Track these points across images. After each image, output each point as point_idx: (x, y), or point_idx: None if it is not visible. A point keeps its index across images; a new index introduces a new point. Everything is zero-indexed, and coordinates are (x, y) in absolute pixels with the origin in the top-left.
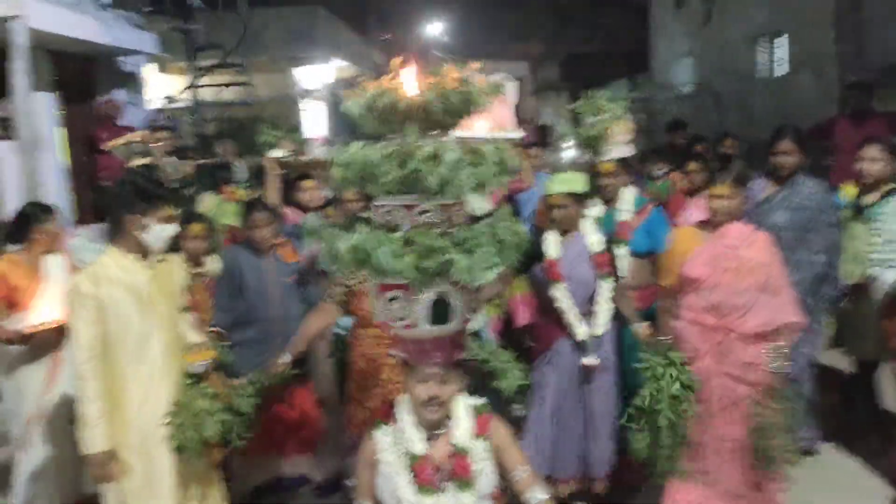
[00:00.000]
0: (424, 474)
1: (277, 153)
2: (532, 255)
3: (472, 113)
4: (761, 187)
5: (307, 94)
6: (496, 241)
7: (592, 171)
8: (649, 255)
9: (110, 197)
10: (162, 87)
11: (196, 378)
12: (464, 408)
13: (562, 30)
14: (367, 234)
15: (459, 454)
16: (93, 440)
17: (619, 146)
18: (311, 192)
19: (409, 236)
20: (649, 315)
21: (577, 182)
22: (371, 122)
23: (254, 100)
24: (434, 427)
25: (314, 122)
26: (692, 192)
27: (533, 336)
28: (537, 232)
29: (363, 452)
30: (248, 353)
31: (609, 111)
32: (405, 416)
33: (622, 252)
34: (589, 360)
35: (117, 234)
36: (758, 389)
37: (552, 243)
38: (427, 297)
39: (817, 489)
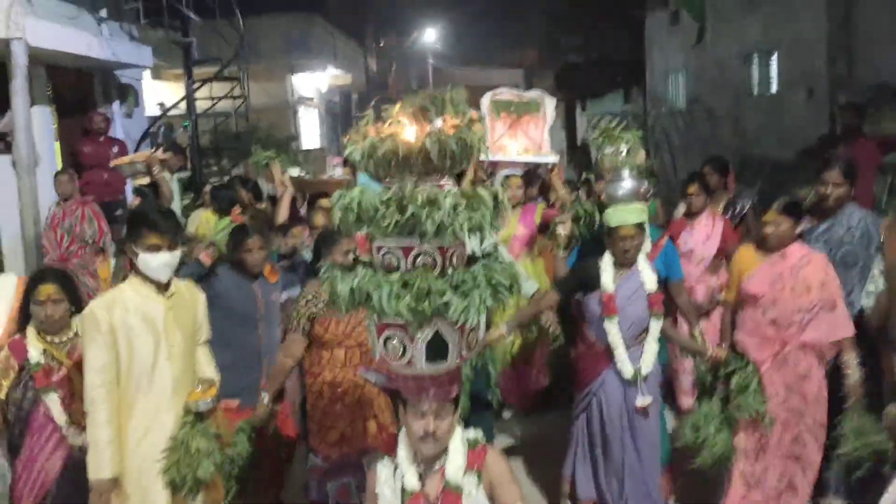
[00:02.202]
0: None
1: (294, 172)
2: (579, 283)
3: (472, 157)
4: (805, 219)
5: (303, 101)
6: (491, 282)
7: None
8: (663, 284)
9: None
10: (158, 94)
11: (198, 416)
12: (459, 442)
13: (557, 38)
14: (367, 276)
15: (451, 492)
16: (100, 465)
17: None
18: (326, 212)
19: (406, 278)
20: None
21: (642, 213)
22: (371, 167)
23: (249, 111)
24: (432, 461)
25: (310, 130)
26: (692, 215)
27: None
28: (585, 260)
29: (369, 482)
30: (234, 376)
31: (627, 141)
32: (402, 451)
33: None
34: (642, 400)
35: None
36: (809, 401)
37: (608, 275)
38: (424, 336)
39: None
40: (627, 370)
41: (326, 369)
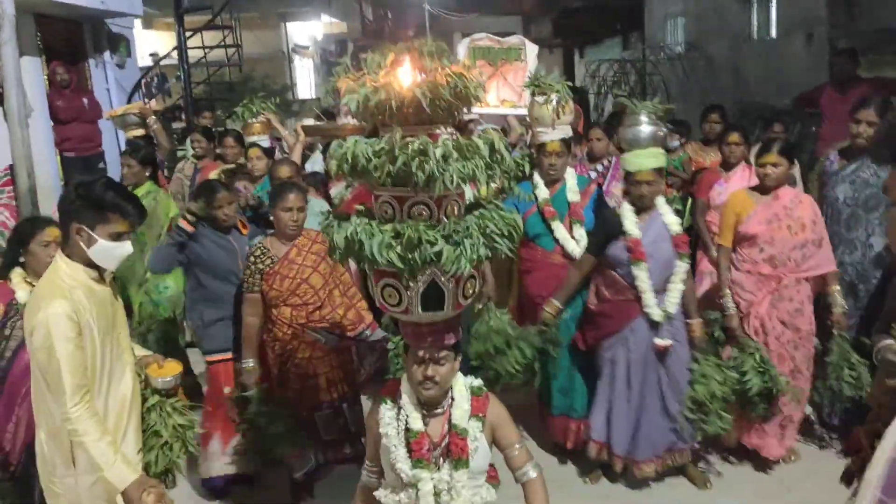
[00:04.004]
0: (421, 450)
1: (308, 120)
2: (610, 234)
3: (466, 105)
4: (835, 160)
5: (298, 51)
6: (485, 232)
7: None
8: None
9: (60, 200)
10: (150, 44)
11: (165, 393)
12: (463, 388)
13: None
14: (361, 225)
15: (458, 434)
16: (121, 476)
17: (563, 126)
18: None
19: (398, 228)
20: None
21: (660, 157)
22: (366, 116)
23: (243, 61)
24: (433, 405)
25: (305, 80)
26: (729, 166)
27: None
28: (611, 211)
29: (369, 421)
30: (225, 331)
31: (557, 91)
32: (406, 394)
33: (581, 232)
34: (661, 341)
35: (68, 246)
36: (802, 335)
37: (630, 222)
38: (419, 285)
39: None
40: (656, 313)
41: (276, 327)
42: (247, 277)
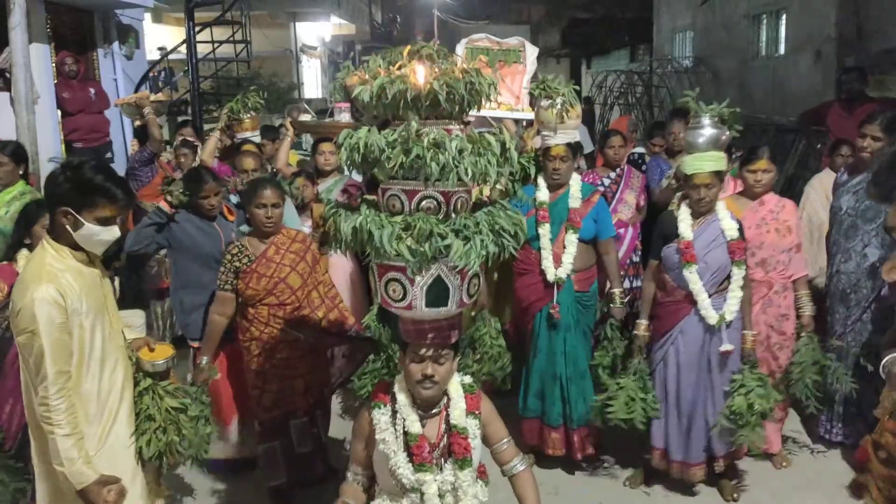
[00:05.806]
0: (422, 453)
1: (306, 116)
2: (666, 236)
3: (480, 101)
4: (846, 171)
5: (306, 50)
6: (494, 228)
7: (542, 155)
8: (594, 241)
9: (47, 182)
10: (159, 38)
11: (157, 376)
12: (458, 387)
13: None
14: (370, 217)
15: (459, 433)
16: (81, 474)
17: (569, 130)
18: (328, 155)
19: (409, 220)
20: (591, 296)
21: (720, 161)
22: (379, 108)
23: (252, 58)
24: (429, 406)
25: (312, 79)
26: None
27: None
28: (668, 213)
29: (359, 426)
30: (203, 317)
31: (563, 95)
32: (401, 396)
33: (572, 239)
34: (726, 346)
35: (54, 229)
36: (789, 336)
37: (685, 224)
38: (425, 280)
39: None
40: (712, 316)
41: (253, 326)
42: (221, 275)
